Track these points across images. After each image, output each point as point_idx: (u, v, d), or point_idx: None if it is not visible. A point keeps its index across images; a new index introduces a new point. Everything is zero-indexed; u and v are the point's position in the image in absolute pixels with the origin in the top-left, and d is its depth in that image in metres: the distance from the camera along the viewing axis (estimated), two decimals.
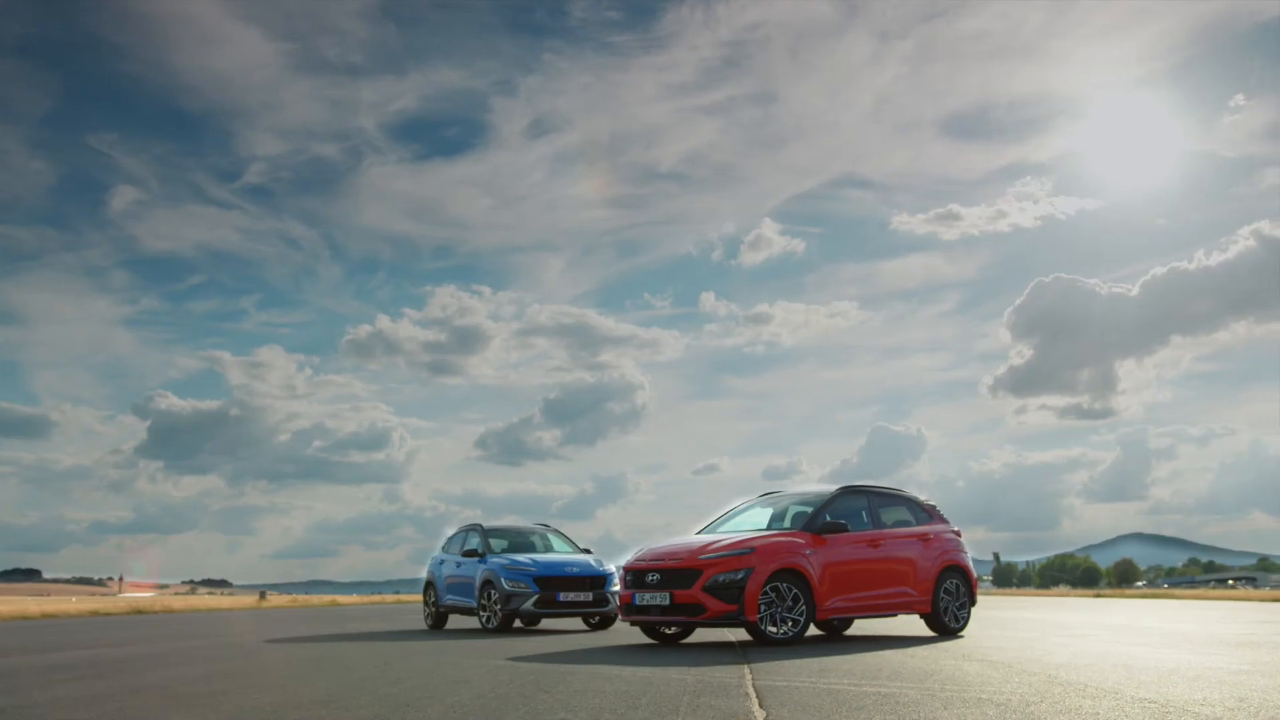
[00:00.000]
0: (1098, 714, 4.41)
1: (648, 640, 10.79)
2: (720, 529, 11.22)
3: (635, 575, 10.20)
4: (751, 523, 11.33)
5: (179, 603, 37.26)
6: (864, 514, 10.91)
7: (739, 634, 11.50)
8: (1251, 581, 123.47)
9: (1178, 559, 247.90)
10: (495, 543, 15.09)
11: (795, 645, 9.34)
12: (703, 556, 9.71)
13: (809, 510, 10.84)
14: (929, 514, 11.59)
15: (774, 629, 9.55)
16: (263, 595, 57.24)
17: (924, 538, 11.17)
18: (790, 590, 9.67)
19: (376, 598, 74.47)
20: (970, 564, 11.59)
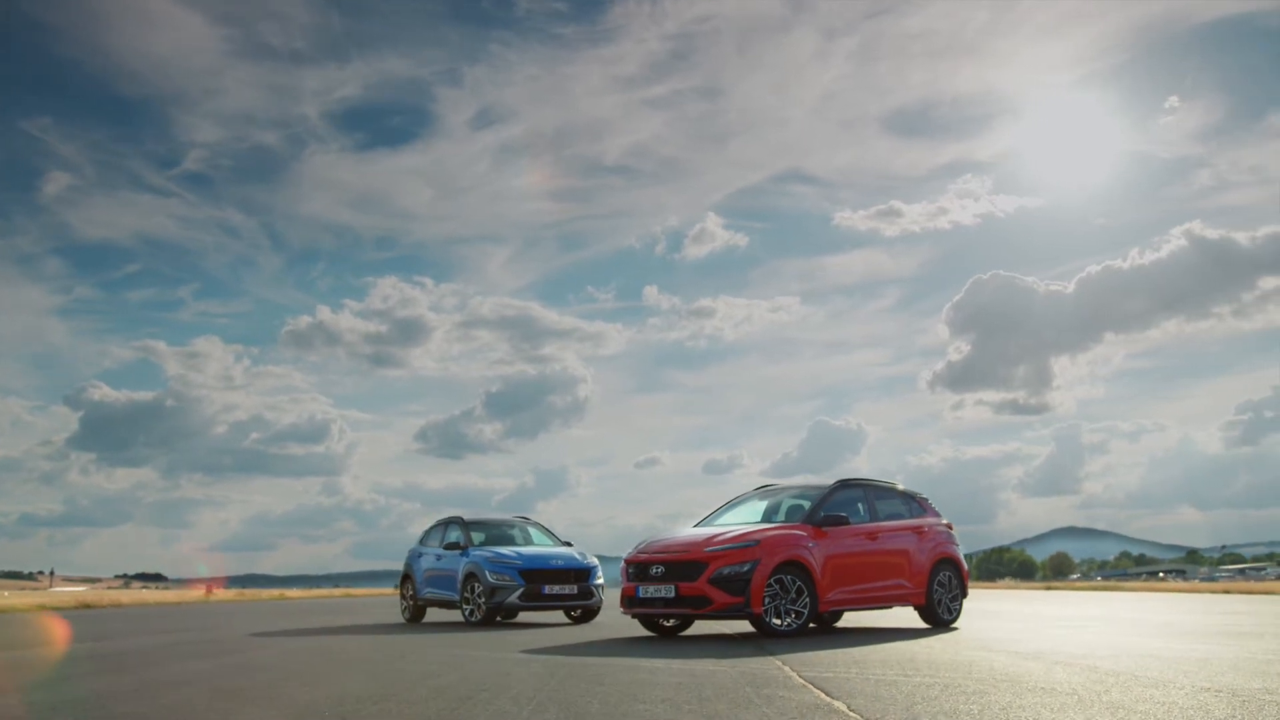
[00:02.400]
0: (1176, 703, 4.47)
1: (646, 633, 10.76)
2: (716, 522, 11.21)
3: (638, 568, 10.15)
4: (746, 516, 11.32)
5: (126, 597, 36.41)
6: (861, 507, 10.98)
7: (736, 626, 11.53)
8: (1181, 574, 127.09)
9: (1110, 552, 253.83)
10: (475, 535, 14.96)
11: (800, 637, 9.37)
12: (708, 549, 9.70)
13: (804, 504, 10.89)
14: (921, 507, 11.72)
15: (778, 621, 9.59)
16: (209, 589, 56.23)
17: (918, 530, 11.28)
18: (794, 583, 9.70)
19: (321, 591, 73.16)
20: (961, 556, 11.73)
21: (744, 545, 9.65)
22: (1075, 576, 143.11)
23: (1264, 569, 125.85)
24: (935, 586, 11.17)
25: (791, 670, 6.24)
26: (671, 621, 10.86)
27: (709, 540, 9.87)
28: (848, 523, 10.43)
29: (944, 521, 11.82)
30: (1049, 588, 47.09)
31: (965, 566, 11.76)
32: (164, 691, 5.55)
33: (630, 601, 10.19)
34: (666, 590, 9.79)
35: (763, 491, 11.74)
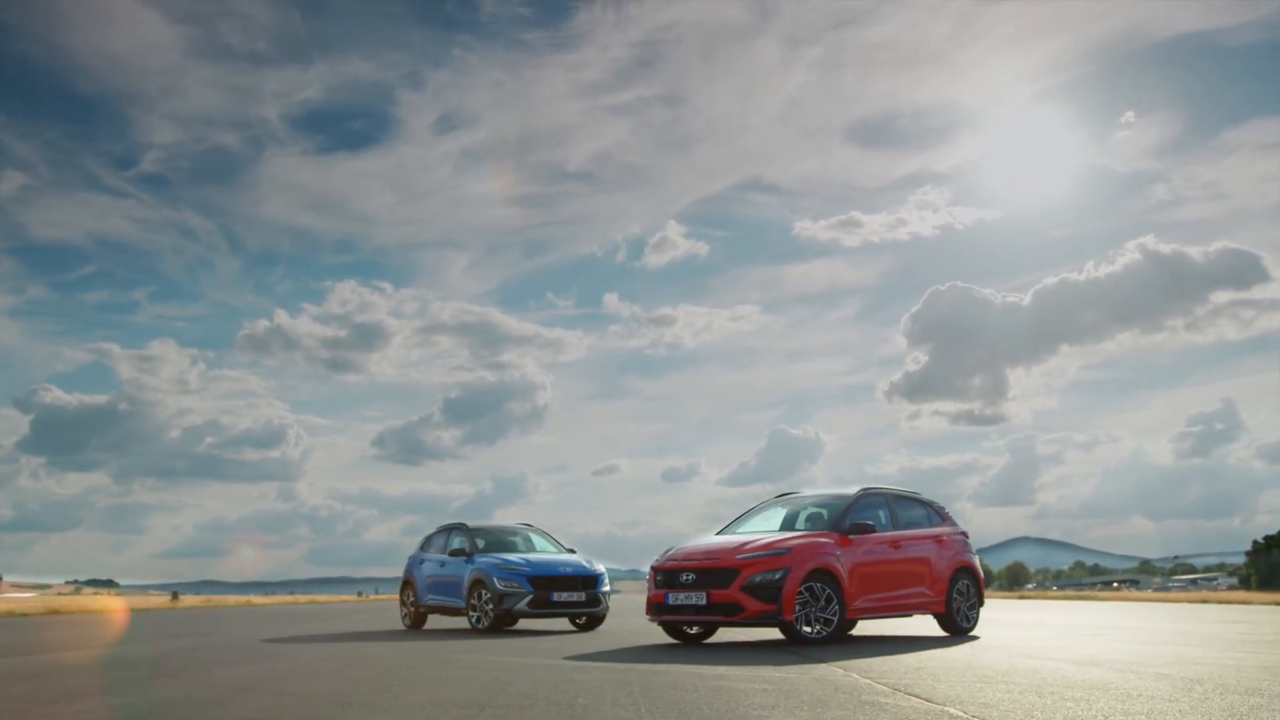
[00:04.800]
0: None
1: (669, 640, 10.73)
2: (739, 530, 11.24)
3: (667, 575, 10.14)
4: (766, 524, 11.37)
5: (96, 603, 35.70)
6: (883, 515, 11.05)
7: (760, 634, 11.52)
8: (1134, 584, 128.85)
9: (1064, 562, 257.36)
10: (477, 542, 14.86)
11: (834, 645, 9.41)
12: (740, 556, 9.72)
13: (823, 512, 10.95)
14: (940, 515, 11.82)
15: (808, 629, 9.62)
16: (175, 595, 55.35)
17: (938, 539, 11.37)
18: (824, 590, 9.73)
19: (284, 598, 72.14)
20: (979, 565, 11.84)
21: (776, 553, 9.67)
22: (1031, 586, 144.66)
23: (1215, 579, 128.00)
24: (955, 595, 11.26)
25: (860, 677, 6.25)
26: (695, 629, 10.85)
27: (739, 548, 9.88)
28: (873, 531, 10.49)
29: (961, 530, 11.92)
30: (1022, 596, 47.63)
31: (982, 575, 11.87)
32: (239, 697, 5.43)
33: (659, 609, 10.17)
34: (697, 597, 9.78)
35: (783, 500, 11.78)
